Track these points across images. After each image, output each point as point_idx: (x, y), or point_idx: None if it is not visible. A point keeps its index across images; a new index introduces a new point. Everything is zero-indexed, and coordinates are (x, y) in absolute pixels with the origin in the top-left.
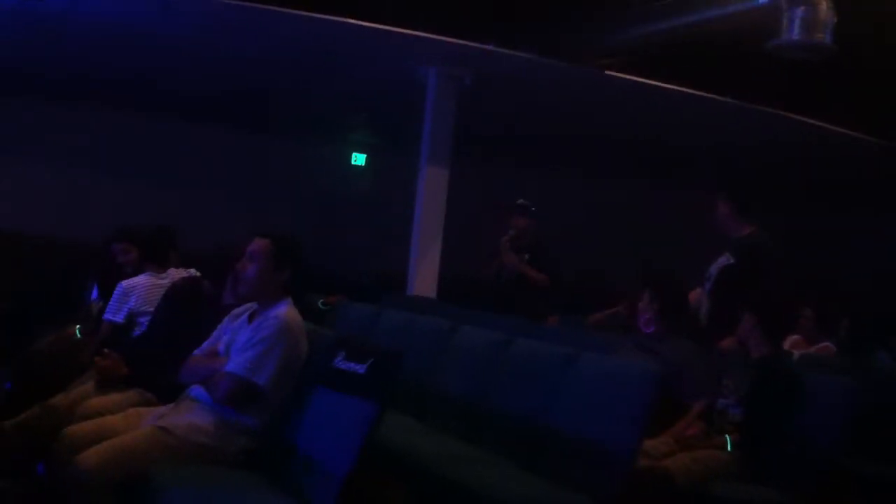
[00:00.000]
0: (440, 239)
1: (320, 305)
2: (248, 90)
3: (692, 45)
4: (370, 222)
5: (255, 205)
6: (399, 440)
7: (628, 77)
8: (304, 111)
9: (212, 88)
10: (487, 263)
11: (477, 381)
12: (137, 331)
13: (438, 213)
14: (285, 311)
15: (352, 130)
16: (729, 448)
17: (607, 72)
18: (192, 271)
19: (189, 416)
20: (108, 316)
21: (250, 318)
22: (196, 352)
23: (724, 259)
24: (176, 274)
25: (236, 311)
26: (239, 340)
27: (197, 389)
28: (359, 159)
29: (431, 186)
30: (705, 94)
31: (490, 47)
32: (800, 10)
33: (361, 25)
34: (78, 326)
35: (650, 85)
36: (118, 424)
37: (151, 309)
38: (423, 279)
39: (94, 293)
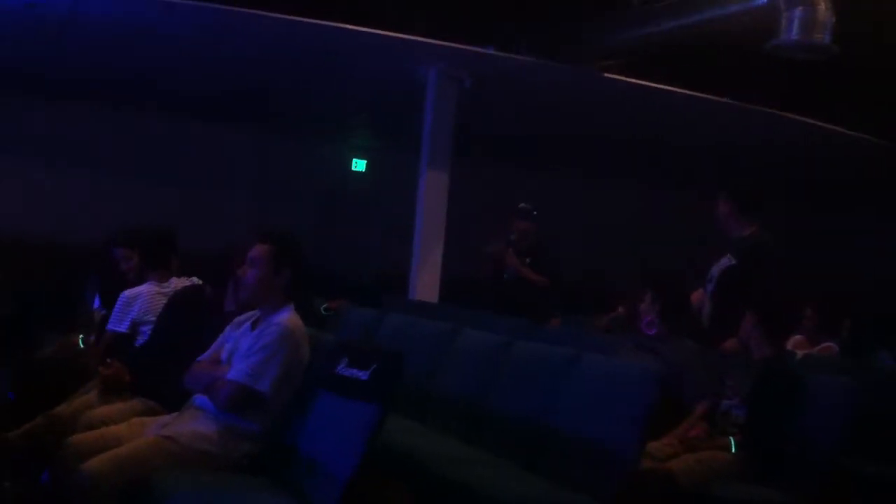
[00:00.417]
0: (441, 241)
1: (322, 311)
2: (249, 92)
3: (691, 47)
4: (371, 224)
5: (255, 206)
6: (401, 442)
7: (627, 79)
8: (305, 113)
9: (213, 90)
10: (487, 264)
11: (479, 383)
12: (140, 340)
13: (439, 216)
14: (287, 317)
15: (352, 132)
16: (733, 450)
17: (606, 74)
18: (194, 279)
19: (193, 425)
20: (111, 326)
21: (253, 325)
22: (199, 360)
23: (726, 260)
24: (178, 283)
25: (239, 318)
26: (241, 348)
27: (201, 398)
28: (359, 165)
29: (432, 189)
30: (704, 95)
31: (489, 50)
32: (798, 11)
33: (361, 31)
34: (81, 336)
35: (649, 86)
36: (122, 433)
37: (154, 318)
38: (425, 282)
39: (97, 301)
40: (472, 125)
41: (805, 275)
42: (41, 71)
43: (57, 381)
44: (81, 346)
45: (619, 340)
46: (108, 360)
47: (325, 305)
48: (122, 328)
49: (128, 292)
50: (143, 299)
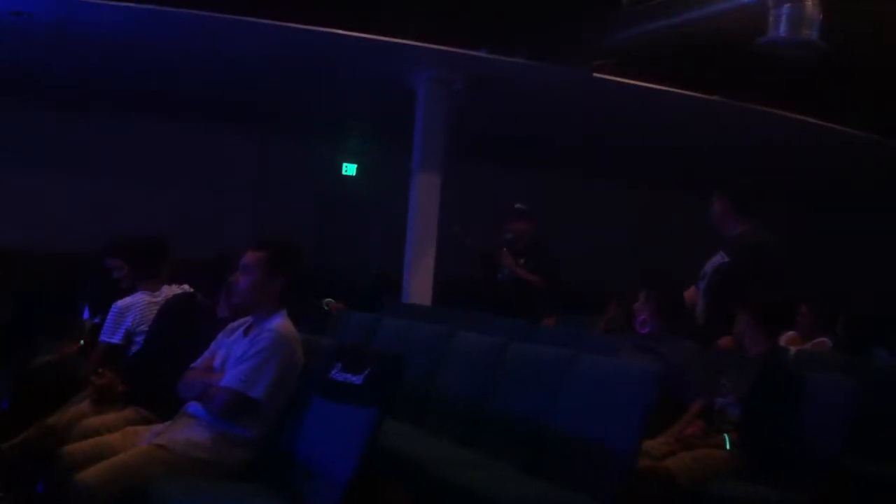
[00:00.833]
0: (434, 244)
1: (324, 306)
2: (242, 98)
3: (682, 46)
4: (369, 227)
5: (249, 211)
6: (401, 445)
7: (620, 79)
8: (298, 117)
9: (205, 96)
10: (478, 263)
11: (476, 385)
12: (134, 349)
13: (431, 218)
14: (280, 323)
15: (345, 136)
16: (728, 447)
17: (598, 74)
18: (186, 287)
19: (187, 433)
20: (104, 338)
21: (246, 332)
22: (192, 367)
23: (719, 257)
24: (169, 290)
25: (232, 325)
26: (234, 354)
27: (194, 405)
28: (349, 169)
29: (424, 191)
30: (698, 95)
31: (481, 53)
32: (785, 8)
33: (351, 35)
34: (76, 347)
35: (642, 86)
36: (116, 443)
37: (148, 327)
38: (419, 285)
39: (86, 311)
40: (467, 128)
41: (802, 274)
42: (35, 77)
43: (51, 390)
44: (75, 355)
45: (617, 341)
46: (100, 370)
47: (327, 300)
48: (116, 339)
49: (120, 303)
50: (136, 309)
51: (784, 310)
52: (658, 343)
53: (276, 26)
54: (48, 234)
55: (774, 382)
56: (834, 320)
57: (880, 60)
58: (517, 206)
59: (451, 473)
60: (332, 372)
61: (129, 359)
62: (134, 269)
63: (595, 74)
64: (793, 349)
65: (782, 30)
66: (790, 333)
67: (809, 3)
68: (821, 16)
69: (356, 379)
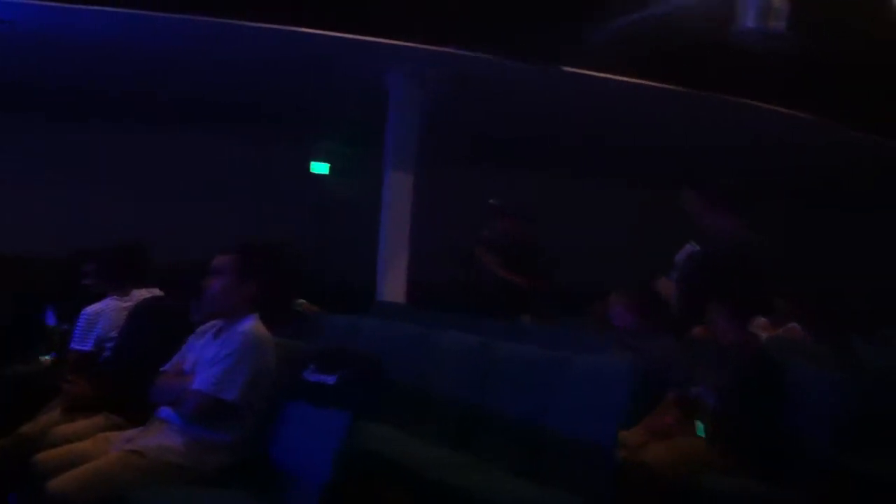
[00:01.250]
0: (406, 243)
1: (297, 308)
2: (216, 98)
3: (656, 39)
4: (340, 229)
5: (222, 215)
6: (389, 449)
7: (594, 74)
8: (267, 117)
9: (173, 99)
10: (464, 265)
11: (460, 386)
12: (105, 356)
13: (404, 218)
14: (251, 325)
15: (316, 136)
16: (700, 433)
17: (571, 69)
18: (156, 291)
19: (159, 438)
20: (74, 345)
21: (216, 335)
22: (162, 371)
23: (690, 247)
24: (139, 295)
25: (201, 328)
26: (205, 357)
27: (166, 410)
28: (320, 168)
29: (396, 191)
30: (671, 88)
31: (453, 50)
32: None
33: (321, 34)
34: (46, 357)
35: (617, 80)
36: (88, 450)
37: (118, 333)
38: (392, 284)
39: (51, 316)
40: (442, 127)
41: (776, 267)
42: (10, 82)
43: (22, 399)
44: (46, 363)
45: (599, 339)
46: (71, 378)
47: (300, 301)
48: (87, 347)
49: (89, 310)
50: (106, 316)
51: (759, 301)
52: (638, 340)
53: (246, 27)
54: (21, 241)
55: (751, 373)
56: (810, 312)
57: (864, 55)
58: (491, 202)
59: (440, 475)
60: (306, 373)
61: (100, 365)
62: (102, 274)
63: (566, 69)
64: (763, 335)
65: (751, 20)
66: (761, 320)
67: None
68: (788, 6)
69: (329, 380)
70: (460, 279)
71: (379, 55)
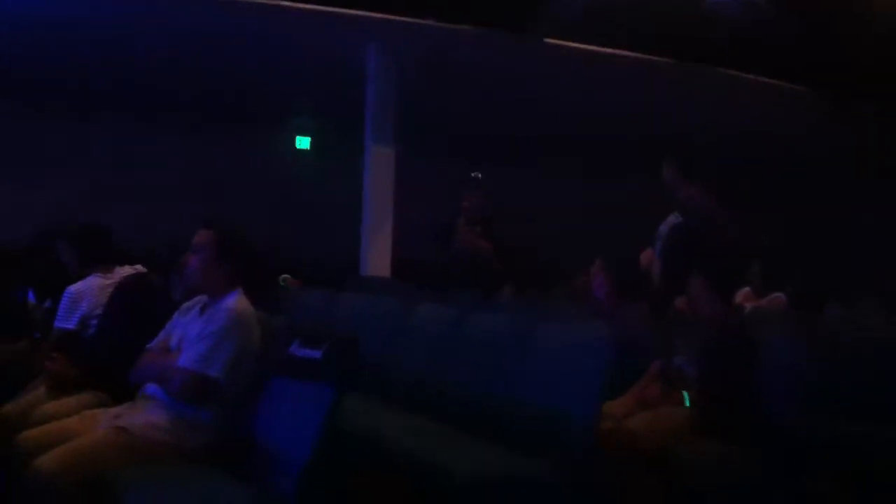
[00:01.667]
0: (390, 218)
1: (280, 283)
2: (190, 76)
3: (637, 10)
4: (322, 205)
5: (200, 196)
6: (363, 423)
7: (573, 45)
8: (246, 96)
9: (147, 79)
10: (444, 242)
11: (437, 359)
12: (89, 333)
13: (387, 192)
14: (236, 301)
15: (295, 113)
16: (687, 404)
17: (548, 40)
18: (139, 267)
19: (145, 415)
20: (59, 323)
21: (201, 311)
22: (148, 348)
23: (674, 218)
24: (123, 272)
25: (186, 304)
26: (190, 334)
27: (152, 387)
28: (302, 143)
29: (377, 166)
30: (652, 57)
31: (429, 22)
32: None
33: (297, 7)
34: (30, 338)
35: (594, 51)
36: (74, 427)
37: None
38: (376, 259)
39: (31, 295)
40: (419, 102)
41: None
42: None
43: (5, 379)
44: (30, 342)
45: (574, 309)
46: (55, 355)
47: (284, 276)
48: (70, 325)
49: (73, 288)
50: (90, 294)
51: (735, 271)
52: (612, 308)
53: (225, 1)
54: None
55: (729, 343)
56: (784, 279)
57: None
58: (472, 174)
59: (414, 447)
60: (291, 348)
61: (85, 342)
62: (85, 253)
63: (550, 41)
64: (748, 305)
65: None
66: (745, 290)
67: None
68: None
69: (315, 353)
70: (441, 252)
71: (357, 28)
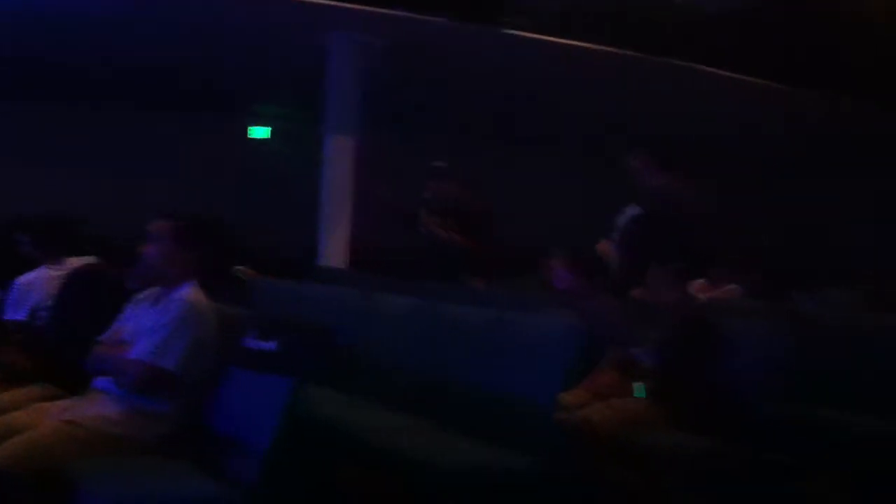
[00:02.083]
0: (348, 208)
1: (237, 274)
2: (148, 65)
3: (611, 4)
4: (282, 195)
5: (162, 186)
6: (331, 413)
7: (541, 37)
8: (205, 84)
9: (104, 65)
10: (406, 228)
11: (400, 349)
12: (39, 325)
13: (345, 182)
14: (189, 292)
15: (256, 102)
16: (639, 394)
17: (513, 32)
18: (91, 259)
19: (97, 408)
20: (8, 315)
21: (154, 303)
22: (100, 340)
23: (632, 209)
24: (73, 262)
25: (138, 296)
26: (144, 326)
27: (103, 380)
28: (261, 133)
29: (337, 155)
30: (616, 51)
31: (395, 12)
32: None
33: None
34: None
35: (560, 43)
36: (23, 421)
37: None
38: (334, 249)
39: None
40: (385, 93)
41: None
42: None
43: None
44: None
45: (545, 300)
46: (4, 347)
47: (240, 268)
48: (20, 316)
49: (22, 279)
50: (40, 285)
51: (695, 260)
52: (575, 299)
53: None
54: None
55: (691, 332)
56: (747, 270)
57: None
58: (435, 163)
59: (386, 439)
60: (247, 340)
61: (35, 334)
62: (35, 243)
63: (509, 32)
64: (703, 296)
65: None
66: (699, 281)
67: None
68: None
69: (270, 346)
70: (403, 243)
71: (317, 16)
